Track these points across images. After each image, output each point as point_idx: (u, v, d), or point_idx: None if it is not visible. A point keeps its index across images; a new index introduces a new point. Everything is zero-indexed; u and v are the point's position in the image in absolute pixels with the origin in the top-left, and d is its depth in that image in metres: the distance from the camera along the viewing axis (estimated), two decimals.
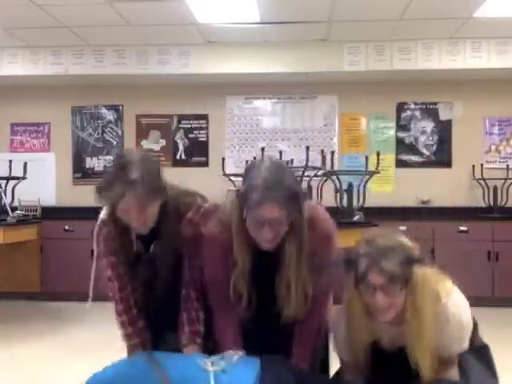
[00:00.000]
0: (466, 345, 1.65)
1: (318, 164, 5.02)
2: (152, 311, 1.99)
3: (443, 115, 6.17)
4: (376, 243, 1.56)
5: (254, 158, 5.46)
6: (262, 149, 5.08)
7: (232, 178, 5.30)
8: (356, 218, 4.72)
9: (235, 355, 1.76)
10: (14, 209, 5.39)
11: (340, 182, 4.94)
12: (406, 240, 1.59)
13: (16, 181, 5.43)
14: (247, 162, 5.59)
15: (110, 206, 1.78)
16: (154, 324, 2.01)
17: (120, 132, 6.50)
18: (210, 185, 6.40)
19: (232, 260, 1.81)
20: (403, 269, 1.52)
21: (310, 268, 1.78)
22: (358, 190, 5.03)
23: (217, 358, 1.73)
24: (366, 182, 5.14)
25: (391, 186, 6.20)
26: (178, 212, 1.88)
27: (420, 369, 1.55)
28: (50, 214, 6.05)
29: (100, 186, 1.75)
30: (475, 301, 1.92)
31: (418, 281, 1.56)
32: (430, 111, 6.21)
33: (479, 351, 1.74)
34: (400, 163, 6.24)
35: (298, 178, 4.71)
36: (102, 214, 1.91)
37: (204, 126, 6.45)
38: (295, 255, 1.75)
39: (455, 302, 1.64)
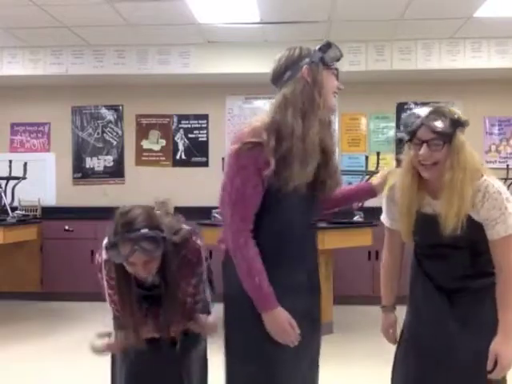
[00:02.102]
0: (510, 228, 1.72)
1: None
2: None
3: None
4: (429, 106, 1.79)
5: None
6: None
7: None
8: (356, 217, 4.73)
9: None
10: (14, 209, 5.39)
11: None
12: (458, 111, 1.80)
13: (16, 181, 5.44)
14: None
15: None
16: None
17: (120, 132, 6.50)
18: (209, 185, 6.44)
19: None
20: (449, 127, 1.72)
21: None
22: None
23: None
24: (366, 182, 5.14)
25: None
26: (174, 251, 1.90)
27: (444, 223, 1.72)
28: (50, 214, 6.05)
29: (108, 244, 1.81)
30: None
31: (460, 146, 1.75)
32: None
33: None
34: (400, 163, 6.24)
35: None
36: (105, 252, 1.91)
37: (204, 126, 6.45)
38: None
39: (496, 181, 1.76)
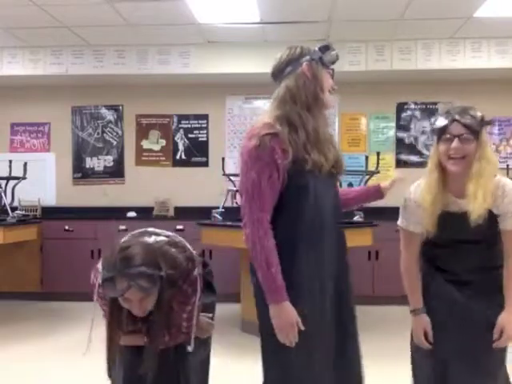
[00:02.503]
0: None
1: None
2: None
3: None
4: (458, 105, 2.02)
5: None
6: None
7: (232, 177, 5.30)
8: (356, 217, 4.73)
9: None
10: (14, 209, 5.39)
11: (340, 182, 4.93)
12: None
13: (16, 181, 5.43)
14: None
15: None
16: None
17: (120, 132, 6.50)
18: (210, 185, 6.47)
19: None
20: (477, 125, 1.93)
21: None
22: None
23: None
24: (366, 181, 5.14)
25: None
26: (171, 284, 1.89)
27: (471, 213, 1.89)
28: (50, 214, 6.06)
29: (104, 277, 1.79)
30: None
31: (485, 142, 1.95)
32: (429, 111, 6.21)
33: None
34: (400, 163, 6.24)
35: None
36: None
37: (204, 126, 6.45)
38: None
39: (508, 179, 2.01)
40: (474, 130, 1.91)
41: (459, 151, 1.91)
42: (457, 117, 1.93)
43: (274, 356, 1.82)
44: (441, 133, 1.95)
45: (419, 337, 2.05)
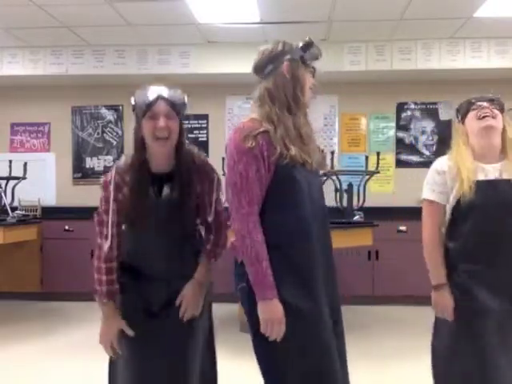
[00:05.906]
0: None
1: None
2: (155, 257, 2.04)
3: (443, 115, 6.18)
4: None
5: None
6: None
7: None
8: (356, 217, 4.73)
9: None
10: (14, 209, 5.39)
11: (340, 182, 4.94)
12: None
13: (16, 181, 5.44)
14: None
15: (140, 116, 1.93)
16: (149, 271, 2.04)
17: (120, 132, 6.50)
18: None
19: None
20: (500, 101, 2.20)
21: None
22: (358, 190, 5.04)
23: None
24: (366, 181, 5.14)
25: (391, 186, 6.21)
26: (192, 161, 2.04)
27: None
28: (50, 214, 6.06)
29: (135, 95, 1.96)
30: None
31: (507, 119, 2.18)
32: (429, 111, 6.22)
33: None
34: (400, 163, 6.24)
35: None
36: (117, 166, 1.99)
37: (204, 126, 6.45)
38: None
39: None
40: (498, 103, 2.18)
41: (491, 120, 2.11)
42: (480, 97, 2.19)
43: (271, 357, 1.80)
44: (471, 107, 2.17)
45: (443, 312, 2.09)
